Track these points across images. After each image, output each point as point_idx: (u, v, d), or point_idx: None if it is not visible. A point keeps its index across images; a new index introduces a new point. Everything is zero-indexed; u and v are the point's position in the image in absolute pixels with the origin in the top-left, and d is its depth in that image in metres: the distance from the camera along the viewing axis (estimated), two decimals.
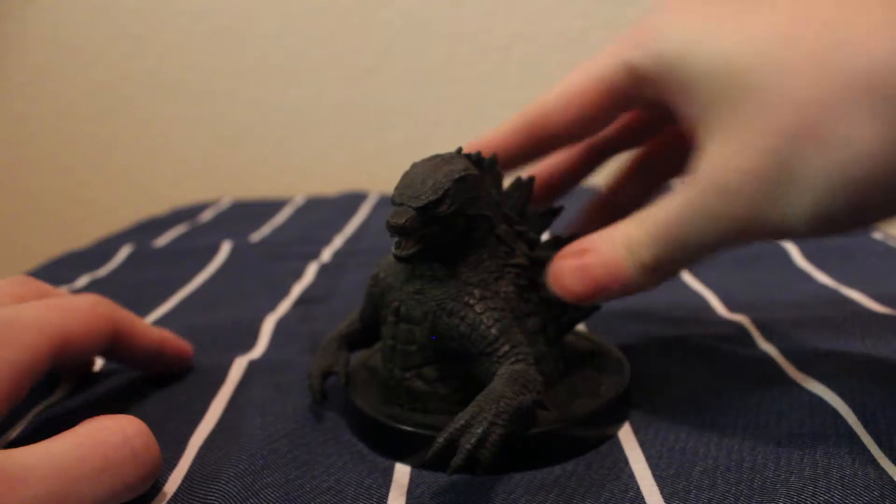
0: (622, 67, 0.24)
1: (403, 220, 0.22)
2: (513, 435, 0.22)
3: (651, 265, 0.23)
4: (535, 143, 0.27)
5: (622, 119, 0.29)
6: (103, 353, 0.28)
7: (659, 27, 0.23)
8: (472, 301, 0.24)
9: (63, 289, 0.47)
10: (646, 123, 0.29)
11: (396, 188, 0.23)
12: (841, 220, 0.20)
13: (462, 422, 0.21)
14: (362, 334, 0.29)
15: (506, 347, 0.23)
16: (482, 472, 0.21)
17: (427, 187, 0.23)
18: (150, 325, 0.31)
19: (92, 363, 0.33)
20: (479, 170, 0.25)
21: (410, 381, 0.25)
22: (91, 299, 0.27)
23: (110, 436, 0.20)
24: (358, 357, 0.30)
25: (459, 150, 0.25)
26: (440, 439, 0.21)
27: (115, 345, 0.28)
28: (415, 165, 0.24)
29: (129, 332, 0.28)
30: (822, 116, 0.19)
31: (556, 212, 0.28)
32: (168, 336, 0.31)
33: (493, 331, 0.23)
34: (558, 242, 0.28)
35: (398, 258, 0.23)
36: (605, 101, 0.25)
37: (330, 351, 0.29)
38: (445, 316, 0.24)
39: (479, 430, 0.21)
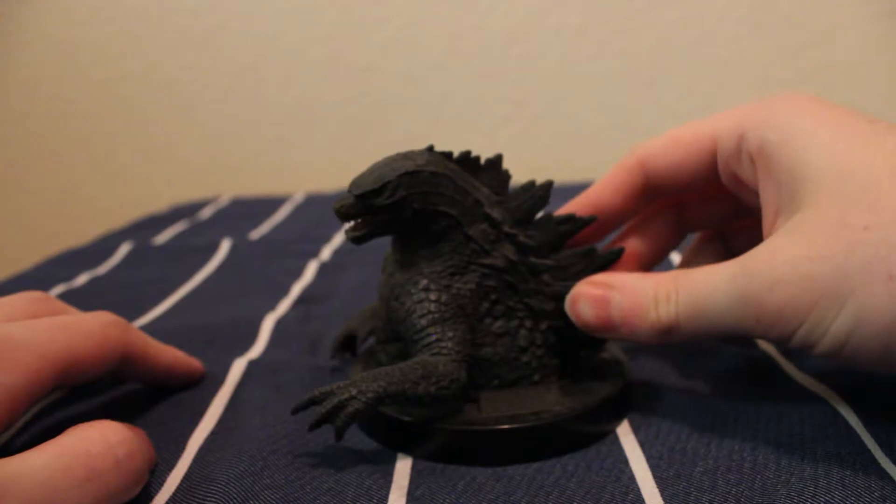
0: (733, 132, 0.25)
1: (338, 206, 0.25)
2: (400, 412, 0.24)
3: (667, 323, 0.23)
4: (637, 183, 0.28)
5: (707, 192, 0.29)
6: (110, 375, 0.27)
7: (780, 112, 0.23)
8: (413, 290, 0.25)
9: (61, 287, 0.47)
10: (723, 206, 0.30)
11: (354, 177, 0.25)
12: (864, 358, 0.20)
13: (332, 388, 0.23)
14: None
15: (431, 339, 0.25)
16: (339, 437, 0.23)
17: (371, 179, 0.24)
18: (162, 346, 0.30)
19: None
20: (466, 170, 0.26)
21: (378, 355, 0.29)
22: (104, 320, 0.26)
23: (93, 445, 0.20)
24: (370, 345, 0.31)
25: (430, 147, 0.26)
26: (305, 398, 0.23)
27: (123, 368, 0.27)
28: (380, 159, 0.26)
29: (139, 355, 0.28)
30: None
31: (573, 220, 0.27)
32: (179, 358, 0.30)
33: (423, 321, 0.25)
34: (591, 252, 0.27)
35: (348, 237, 0.25)
36: (706, 157, 0.26)
37: (362, 318, 0.31)
38: (394, 300, 0.26)
39: (337, 400, 0.23)
